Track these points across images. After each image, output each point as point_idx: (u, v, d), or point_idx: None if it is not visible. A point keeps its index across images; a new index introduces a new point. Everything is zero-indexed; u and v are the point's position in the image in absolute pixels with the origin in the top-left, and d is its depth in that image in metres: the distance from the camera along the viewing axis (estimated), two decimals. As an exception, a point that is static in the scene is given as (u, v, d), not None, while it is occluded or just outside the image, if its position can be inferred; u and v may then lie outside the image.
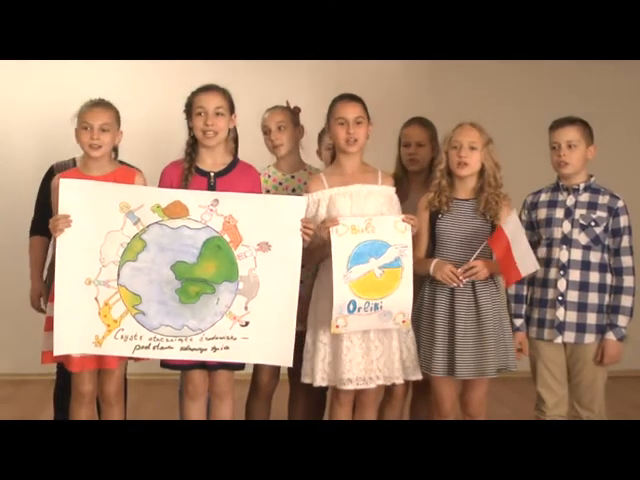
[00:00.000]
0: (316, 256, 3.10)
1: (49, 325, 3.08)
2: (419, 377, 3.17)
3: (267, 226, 3.01)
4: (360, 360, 3.09)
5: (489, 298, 3.15)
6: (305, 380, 3.16)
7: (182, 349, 3.01)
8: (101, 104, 3.12)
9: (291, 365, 3.09)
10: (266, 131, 3.50)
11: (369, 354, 3.10)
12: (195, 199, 3.00)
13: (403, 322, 3.06)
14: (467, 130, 3.16)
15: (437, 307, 3.15)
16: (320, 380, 3.12)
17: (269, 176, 3.47)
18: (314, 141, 3.68)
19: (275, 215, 3.02)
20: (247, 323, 3.03)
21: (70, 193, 2.94)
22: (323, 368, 3.12)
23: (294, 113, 3.53)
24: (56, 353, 2.97)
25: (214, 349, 3.02)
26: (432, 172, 3.45)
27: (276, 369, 3.43)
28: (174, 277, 2.99)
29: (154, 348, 3.01)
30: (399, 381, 3.14)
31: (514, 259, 3.06)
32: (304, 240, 3.01)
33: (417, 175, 3.51)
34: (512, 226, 3.07)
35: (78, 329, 2.96)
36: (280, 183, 3.48)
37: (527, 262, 3.11)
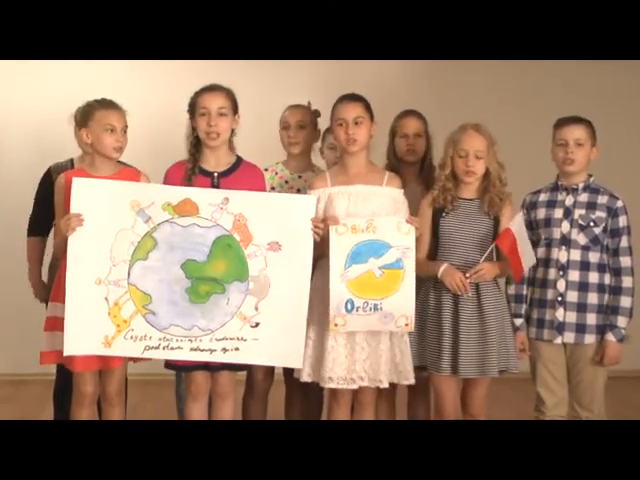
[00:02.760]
0: (314, 253, 3.08)
1: (49, 325, 3.08)
2: (412, 382, 3.17)
3: (277, 225, 3.00)
4: (343, 360, 3.09)
5: (492, 299, 3.16)
6: (295, 375, 3.17)
7: (192, 350, 3.00)
8: (115, 105, 3.09)
9: (301, 367, 3.09)
10: (285, 126, 3.50)
11: (353, 355, 3.10)
12: (205, 197, 2.99)
13: (406, 325, 3.05)
14: (473, 138, 3.14)
15: (443, 308, 3.15)
16: (306, 376, 3.14)
17: (276, 173, 3.48)
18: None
19: (285, 214, 3.02)
20: (257, 324, 3.02)
21: (82, 192, 2.94)
22: (310, 364, 3.13)
23: (314, 115, 3.54)
24: (66, 354, 2.96)
25: (224, 350, 3.01)
26: (425, 165, 3.48)
27: (271, 367, 3.42)
28: (184, 276, 2.98)
29: (164, 348, 3.00)
30: (383, 385, 3.13)
31: (520, 257, 3.10)
32: (314, 239, 3.01)
33: (411, 167, 3.49)
34: (518, 226, 3.10)
35: (88, 330, 2.95)
36: (286, 181, 3.48)
37: (527, 258, 3.15)
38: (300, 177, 3.49)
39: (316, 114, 3.55)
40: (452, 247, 3.18)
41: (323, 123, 3.50)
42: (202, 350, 3.00)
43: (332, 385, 3.10)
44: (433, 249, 3.23)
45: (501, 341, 3.15)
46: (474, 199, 3.21)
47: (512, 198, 3.21)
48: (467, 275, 3.09)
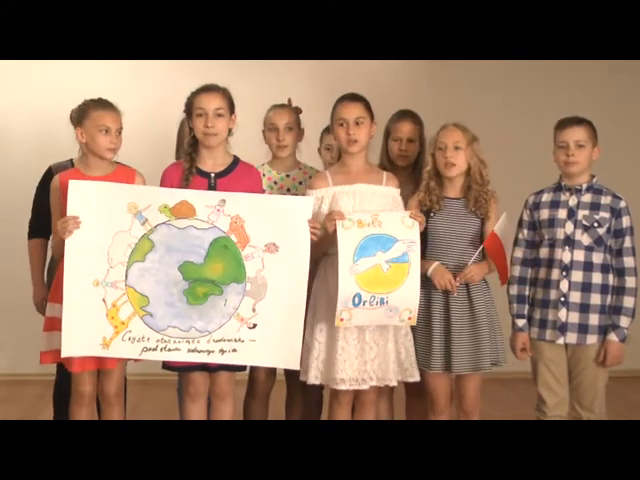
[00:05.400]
0: (315, 251, 3.08)
1: (48, 325, 3.08)
2: (417, 379, 3.18)
3: (274, 227, 3.00)
4: (354, 361, 3.09)
5: (482, 296, 3.20)
6: (301, 378, 3.15)
7: (189, 351, 3.00)
8: (111, 106, 3.09)
9: (298, 368, 3.08)
10: (271, 128, 3.48)
11: (363, 355, 3.10)
12: (202, 199, 2.99)
13: (409, 319, 3.06)
14: (451, 131, 3.20)
15: (433, 305, 3.18)
16: (313, 378, 3.13)
17: (264, 174, 3.45)
18: (312, 141, 3.67)
19: (282, 215, 3.02)
20: (255, 325, 3.02)
21: (79, 194, 2.93)
22: (317, 366, 3.12)
23: (297, 114, 3.53)
24: (64, 355, 2.96)
25: (222, 351, 3.01)
26: (417, 167, 3.49)
27: (272, 368, 3.40)
28: (181, 278, 2.98)
29: (161, 350, 3.00)
30: (392, 383, 3.14)
31: (506, 259, 3.19)
32: (312, 241, 3.00)
33: (402, 169, 3.48)
34: (502, 229, 3.14)
35: (86, 331, 2.95)
36: (275, 182, 3.47)
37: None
38: (288, 176, 3.48)
39: (298, 111, 3.53)
40: (441, 247, 3.21)
41: (320, 122, 3.49)
42: (200, 351, 3.00)
43: (344, 387, 3.08)
44: (421, 250, 3.23)
45: (490, 335, 3.18)
46: (460, 198, 3.24)
47: (497, 196, 3.23)
48: (457, 279, 3.13)
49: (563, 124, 3.28)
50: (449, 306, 3.16)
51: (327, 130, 3.51)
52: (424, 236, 3.21)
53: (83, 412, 3.13)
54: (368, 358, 3.10)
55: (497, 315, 3.27)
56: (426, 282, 3.18)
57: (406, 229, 3.03)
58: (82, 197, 2.94)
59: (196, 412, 3.21)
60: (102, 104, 3.08)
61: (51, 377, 3.62)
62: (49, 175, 3.51)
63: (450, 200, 3.23)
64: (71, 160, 3.54)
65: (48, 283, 3.50)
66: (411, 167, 3.52)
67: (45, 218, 3.33)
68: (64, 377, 3.27)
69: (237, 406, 3.34)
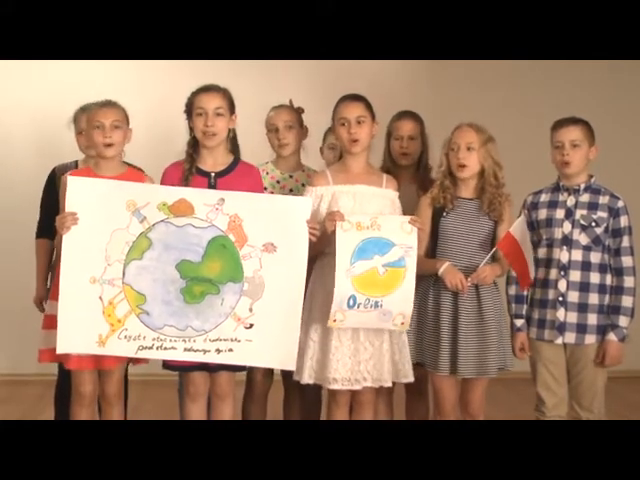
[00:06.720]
0: (312, 250, 3.06)
1: (47, 323, 3.09)
2: (411, 379, 3.18)
3: (272, 226, 3.00)
4: (347, 361, 3.09)
5: (491, 300, 3.18)
6: (295, 377, 3.15)
7: (185, 350, 3.00)
8: (109, 103, 3.10)
9: (294, 369, 3.08)
10: (272, 129, 3.49)
11: (357, 355, 3.10)
12: (201, 197, 2.99)
13: (402, 324, 3.06)
14: (464, 131, 3.18)
15: (442, 308, 3.16)
16: (307, 378, 3.13)
17: (267, 173, 3.47)
18: (313, 141, 3.68)
19: (281, 215, 3.01)
20: (251, 325, 3.02)
21: (77, 191, 2.93)
22: (311, 366, 3.12)
23: (299, 113, 3.53)
24: (59, 352, 2.96)
25: (218, 351, 3.01)
26: (420, 166, 3.49)
27: (270, 368, 3.41)
28: (179, 276, 2.97)
29: (157, 348, 2.99)
30: (387, 384, 3.14)
31: (527, 264, 3.15)
32: (310, 241, 3.00)
33: (406, 169, 3.50)
34: (520, 231, 3.12)
35: (82, 328, 2.95)
36: (278, 181, 3.48)
37: (532, 266, 3.21)
38: (291, 177, 3.49)
39: (300, 111, 3.54)
40: (452, 247, 3.19)
41: (320, 123, 3.49)
42: (196, 350, 3.00)
43: (336, 386, 3.09)
44: (431, 249, 3.23)
45: (498, 340, 3.16)
46: (473, 199, 3.22)
47: (511, 199, 3.22)
48: (468, 279, 3.11)
49: (558, 124, 3.28)
50: (458, 308, 3.15)
51: (331, 129, 3.52)
52: (435, 235, 3.22)
53: (84, 412, 3.13)
54: (362, 358, 3.10)
55: (506, 320, 3.25)
56: (437, 282, 3.18)
57: (404, 234, 3.03)
58: (81, 193, 2.94)
59: (196, 412, 3.20)
60: (95, 104, 3.11)
61: (51, 377, 3.63)
62: (53, 176, 3.52)
63: (463, 200, 3.22)
64: (76, 161, 3.55)
65: (50, 281, 3.50)
66: (414, 166, 3.52)
67: (52, 219, 3.34)
68: (65, 377, 3.28)
69: (237, 407, 3.34)
